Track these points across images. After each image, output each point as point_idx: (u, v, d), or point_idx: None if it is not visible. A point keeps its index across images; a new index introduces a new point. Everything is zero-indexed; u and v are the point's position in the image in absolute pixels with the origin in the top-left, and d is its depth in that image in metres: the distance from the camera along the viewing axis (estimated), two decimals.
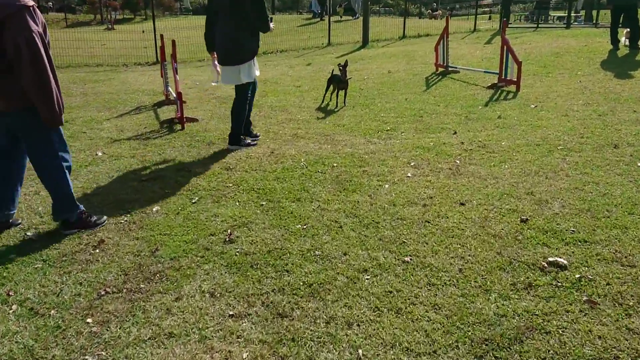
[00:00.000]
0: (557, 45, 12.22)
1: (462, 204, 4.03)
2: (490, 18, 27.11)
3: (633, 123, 5.99)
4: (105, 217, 3.87)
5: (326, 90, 7.85)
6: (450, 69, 9.82)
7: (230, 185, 4.57)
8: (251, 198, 4.27)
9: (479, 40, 14.70)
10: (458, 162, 5.04)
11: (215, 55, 5.65)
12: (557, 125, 6.11)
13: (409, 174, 4.73)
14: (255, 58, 5.54)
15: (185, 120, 6.73)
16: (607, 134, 5.67)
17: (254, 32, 5.44)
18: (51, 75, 3.20)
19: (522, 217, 3.70)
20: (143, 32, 17.76)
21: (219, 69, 5.64)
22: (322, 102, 7.88)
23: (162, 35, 7.85)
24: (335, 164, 5.06)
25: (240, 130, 5.72)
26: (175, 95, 7.03)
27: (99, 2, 31.87)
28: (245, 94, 5.65)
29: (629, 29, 10.85)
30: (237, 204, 4.17)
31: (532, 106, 7.10)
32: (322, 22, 22.24)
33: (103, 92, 9.31)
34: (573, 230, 3.51)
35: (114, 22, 27.76)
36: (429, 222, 3.75)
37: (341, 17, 25.70)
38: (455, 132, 6.08)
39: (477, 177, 4.59)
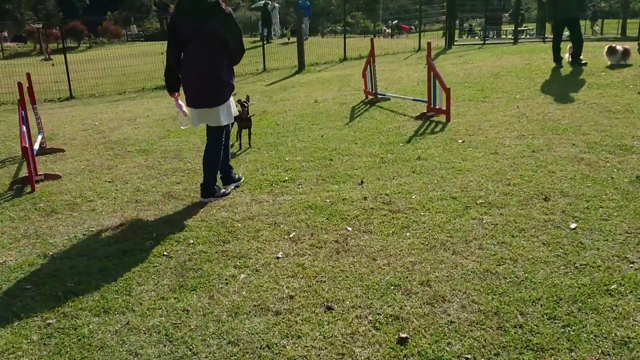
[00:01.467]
0: (500, 64, 11.43)
1: (329, 308, 2.93)
2: (444, 35, 26.59)
3: (570, 161, 5.03)
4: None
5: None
6: (379, 96, 8.84)
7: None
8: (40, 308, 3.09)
9: (422, 60, 13.86)
10: (350, 229, 3.97)
11: (178, 95, 4.79)
12: (483, 168, 5.11)
13: (280, 254, 3.62)
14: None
15: (41, 179, 5.52)
16: (539, 178, 4.69)
17: (231, 65, 4.67)
18: None
19: (401, 335, 2.61)
20: (53, 65, 16.41)
21: (185, 109, 4.83)
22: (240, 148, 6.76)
23: (28, 74, 6.64)
24: (192, 241, 3.92)
25: (214, 180, 4.83)
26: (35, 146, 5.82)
27: (37, 31, 30.36)
28: (220, 137, 4.80)
29: (571, 44, 10.10)
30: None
31: (460, 141, 6.12)
32: (267, 46, 21.26)
33: None
34: (467, 358, 2.43)
35: (50, 52, 26.28)
36: (270, 346, 2.62)
37: (289, 39, 24.81)
38: (362, 182, 5.03)
39: (366, 256, 3.51)
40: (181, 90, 4.77)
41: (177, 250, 3.76)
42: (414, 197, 4.53)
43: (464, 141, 6.12)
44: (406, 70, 12.17)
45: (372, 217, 4.18)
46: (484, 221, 3.91)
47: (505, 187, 4.56)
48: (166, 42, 4.61)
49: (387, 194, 4.65)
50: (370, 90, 8.96)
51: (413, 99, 8.12)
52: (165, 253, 3.72)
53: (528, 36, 23.77)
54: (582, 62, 9.99)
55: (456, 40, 18.52)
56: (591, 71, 9.28)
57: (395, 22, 35.53)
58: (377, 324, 2.74)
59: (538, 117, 6.84)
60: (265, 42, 22.60)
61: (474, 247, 3.53)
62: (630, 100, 7.10)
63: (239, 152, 6.48)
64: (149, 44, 17.72)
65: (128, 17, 43.34)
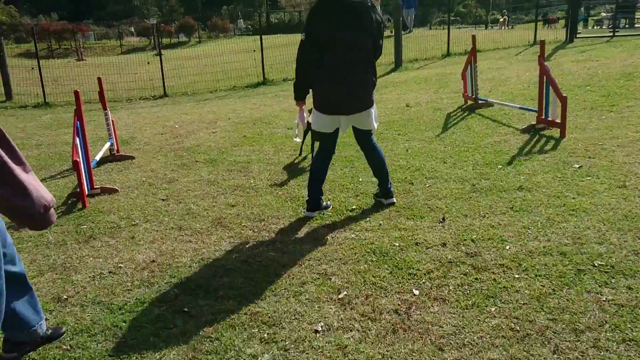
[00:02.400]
0: (633, 63, 9.66)
1: None
2: (565, 25, 24.00)
3: None
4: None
5: (304, 139, 5.96)
6: (480, 101, 7.69)
7: None
8: None
9: (536, 56, 12.24)
10: (417, 293, 3.08)
11: (304, 105, 4.48)
12: (605, 208, 3.94)
13: (321, 325, 2.83)
14: None
15: (97, 192, 5.19)
16: None
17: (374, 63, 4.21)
18: None
19: None
20: (148, 63, 16.67)
21: (306, 121, 4.63)
22: (300, 153, 6.13)
23: (99, 79, 6.40)
24: (222, 292, 3.25)
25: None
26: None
27: (151, 27, 31.88)
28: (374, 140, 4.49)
29: None
30: None
31: (576, 166, 4.92)
32: None
33: (57, 142, 8.03)
34: None
35: (161, 47, 27.36)
36: None
37: (391, 32, 23.70)
38: (443, 219, 4.08)
39: (430, 342, 2.62)
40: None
41: (201, 306, 3.10)
42: (507, 247, 3.52)
43: (581, 166, 4.91)
44: (517, 68, 10.74)
45: (449, 274, 3.25)
46: (603, 298, 2.83)
47: (636, 243, 3.39)
48: (298, 45, 4.07)
49: (472, 240, 3.67)
50: (470, 95, 7.83)
51: (520, 107, 6.89)
52: (186, 309, 3.08)
53: None
54: None
55: (579, 32, 16.38)
56: None
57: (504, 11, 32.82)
58: None
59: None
60: None
61: (587, 343, 2.50)
62: None
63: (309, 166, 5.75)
64: (254, 39, 17.56)
65: (236, 12, 44.46)
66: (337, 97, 4.08)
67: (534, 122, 6.36)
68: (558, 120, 5.96)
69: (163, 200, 5.06)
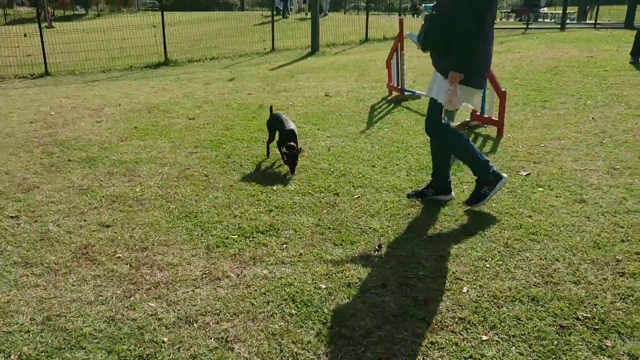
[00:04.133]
0: (554, 56, 9.42)
1: None
2: None
3: None
4: None
5: (270, 138, 4.97)
6: (406, 93, 6.96)
7: None
8: None
9: None
10: None
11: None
12: (569, 231, 3.28)
13: None
14: None
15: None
16: None
17: None
18: None
19: None
20: (25, 35, 14.60)
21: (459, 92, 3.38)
22: (268, 156, 5.03)
23: None
24: None
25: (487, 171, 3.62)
26: None
27: None
28: None
29: None
30: None
31: (523, 174, 4.27)
32: (283, 22, 19.32)
33: None
34: None
35: (53, 19, 24.54)
36: None
37: (307, 14, 22.75)
38: (380, 246, 3.23)
39: None
40: None
41: None
42: (465, 290, 2.73)
43: (529, 174, 4.26)
44: None
45: (396, 337, 2.39)
46: None
47: (619, 280, 2.73)
48: (441, 14, 3.37)
49: (419, 279, 2.85)
50: (396, 85, 7.08)
51: None
52: None
53: (568, 21, 21.39)
54: None
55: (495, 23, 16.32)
56: None
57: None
58: None
59: (627, 138, 4.94)
60: (281, 17, 20.59)
61: None
62: None
63: (279, 170, 4.70)
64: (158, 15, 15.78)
65: None
66: (487, 71, 3.54)
67: (467, 119, 5.70)
68: (495, 118, 5.32)
69: (12, 217, 3.81)
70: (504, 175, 3.64)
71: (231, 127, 6.12)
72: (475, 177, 3.70)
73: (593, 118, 5.62)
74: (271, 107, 5.11)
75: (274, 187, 4.26)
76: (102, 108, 7.35)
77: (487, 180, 3.60)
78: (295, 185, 4.27)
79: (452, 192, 3.85)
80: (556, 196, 3.81)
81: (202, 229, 3.55)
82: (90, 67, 11.59)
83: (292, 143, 4.46)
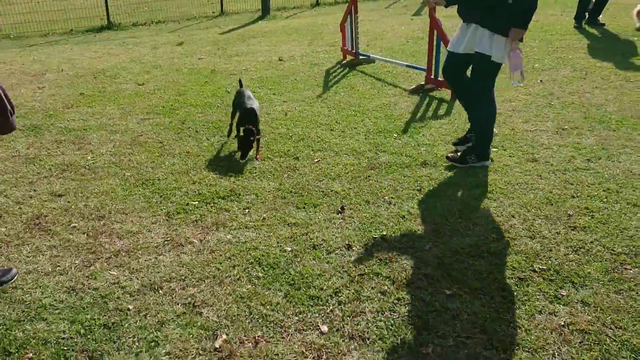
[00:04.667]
0: None
1: None
2: None
3: None
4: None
5: (233, 115, 4.38)
6: (361, 57, 6.93)
7: None
8: None
9: (408, 10, 11.82)
10: (325, 329, 2.21)
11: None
12: (523, 189, 3.41)
13: None
14: None
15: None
16: (617, 216, 3.01)
17: None
18: None
19: None
20: None
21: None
22: (229, 135, 4.50)
23: None
24: None
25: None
26: None
27: None
28: None
29: None
30: None
31: None
32: None
33: None
34: None
35: None
36: None
37: None
38: (342, 209, 3.25)
39: None
40: None
41: None
42: (427, 247, 2.80)
43: None
44: (390, 22, 10.17)
45: (363, 295, 2.43)
46: (561, 322, 2.21)
47: (571, 234, 2.86)
48: None
49: (383, 238, 2.89)
50: (350, 49, 7.02)
51: (407, 65, 6.24)
52: None
53: None
54: (600, 22, 8.27)
55: None
56: (617, 36, 7.56)
57: None
58: None
59: (574, 99, 5.12)
60: None
61: None
62: None
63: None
64: None
65: None
66: None
67: (422, 82, 5.75)
68: None
69: None
70: (490, 161, 3.74)
71: (183, 92, 5.94)
72: (471, 144, 3.75)
73: (541, 81, 5.78)
74: (240, 81, 4.75)
75: (233, 153, 4.19)
76: (43, 74, 6.95)
77: (482, 153, 3.69)
78: (253, 151, 4.21)
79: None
80: (509, 156, 3.93)
81: (161, 196, 3.47)
82: (26, 31, 10.89)
83: (249, 126, 3.91)
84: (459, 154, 3.84)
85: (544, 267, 2.58)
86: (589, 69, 6.08)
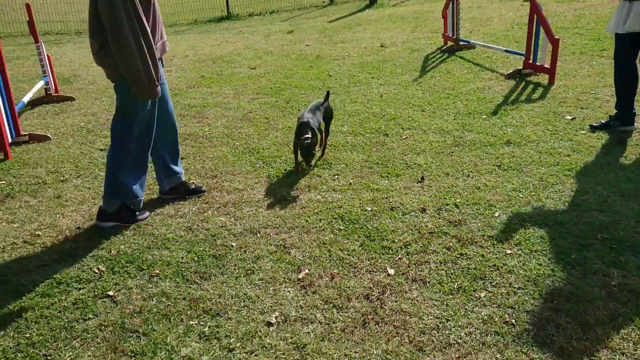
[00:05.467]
0: None
1: None
2: None
3: None
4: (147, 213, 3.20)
5: (295, 152, 3.82)
6: (461, 43, 7.05)
7: None
8: None
9: None
10: (392, 272, 2.57)
11: None
12: (606, 169, 3.48)
13: (275, 316, 2.32)
14: None
15: (24, 140, 4.49)
16: None
17: None
18: (135, 44, 2.67)
19: None
20: None
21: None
22: (295, 164, 3.85)
23: (27, 5, 5.49)
24: (158, 271, 2.69)
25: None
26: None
27: None
28: None
29: None
30: None
31: (568, 117, 4.42)
32: None
33: None
34: None
35: None
36: None
37: None
38: (422, 179, 3.56)
39: (408, 341, 2.14)
40: None
41: (130, 288, 2.54)
42: (496, 215, 3.03)
43: (574, 118, 4.41)
44: (499, 7, 10.05)
45: (430, 248, 2.75)
46: (613, 282, 2.37)
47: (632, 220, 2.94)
48: None
49: (456, 205, 3.17)
50: (451, 35, 7.17)
51: (506, 50, 6.29)
52: (110, 292, 2.51)
53: None
54: None
55: None
56: None
57: None
58: None
59: None
60: None
61: (596, 341, 2.05)
62: None
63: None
64: None
65: None
66: None
67: (520, 67, 5.79)
68: (547, 66, 5.40)
69: (101, 150, 4.39)
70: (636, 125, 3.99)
71: (290, 75, 6.49)
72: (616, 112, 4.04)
73: None
74: (327, 94, 4.13)
75: (330, 129, 4.62)
76: (172, 59, 7.88)
77: (624, 118, 3.99)
78: (348, 127, 4.62)
79: (636, 124, 4.06)
80: (598, 138, 3.97)
81: (264, 162, 3.99)
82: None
83: (306, 135, 3.64)
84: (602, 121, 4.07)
85: (608, 237, 2.72)
86: None
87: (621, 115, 4.05)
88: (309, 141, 3.63)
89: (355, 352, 2.08)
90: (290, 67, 6.90)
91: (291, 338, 2.17)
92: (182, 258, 2.78)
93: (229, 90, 6.01)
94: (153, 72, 2.77)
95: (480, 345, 2.08)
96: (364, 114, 4.94)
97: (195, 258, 2.77)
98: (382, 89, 5.72)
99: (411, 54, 7.17)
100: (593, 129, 4.09)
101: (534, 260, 2.59)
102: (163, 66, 3.16)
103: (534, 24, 5.50)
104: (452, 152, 3.95)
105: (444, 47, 7.24)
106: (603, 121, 4.11)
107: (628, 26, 3.74)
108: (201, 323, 2.28)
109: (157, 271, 2.67)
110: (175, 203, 3.40)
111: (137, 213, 3.14)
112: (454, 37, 7.08)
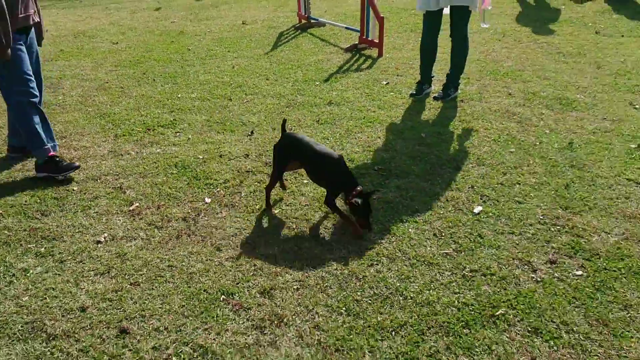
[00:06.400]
0: None
1: (124, 332, 2.17)
2: None
3: (500, 116, 4.28)
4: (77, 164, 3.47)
5: (278, 171, 3.05)
6: (312, 21, 7.76)
7: None
8: None
9: None
10: (208, 201, 3.16)
11: None
12: (397, 121, 4.32)
13: (104, 236, 2.81)
14: None
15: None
16: (457, 138, 3.93)
17: None
18: None
19: None
20: None
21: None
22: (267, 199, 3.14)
23: None
24: (1, 211, 3.05)
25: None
26: None
27: None
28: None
29: None
30: None
31: (384, 83, 5.26)
32: None
33: None
34: None
35: None
36: None
37: None
38: (252, 132, 4.17)
39: (210, 245, 2.74)
40: None
41: None
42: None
43: (388, 83, 5.26)
44: None
45: (245, 183, 3.37)
46: (374, 197, 3.14)
47: (415, 149, 3.78)
48: None
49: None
50: (303, 14, 7.85)
51: (346, 27, 7.09)
52: None
53: None
54: None
55: None
56: (548, 4, 8.34)
57: None
58: None
59: (480, 57, 5.99)
60: None
61: (349, 234, 2.79)
62: (585, 42, 6.29)
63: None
64: None
65: None
66: None
67: (356, 42, 6.60)
68: (376, 40, 6.25)
69: None
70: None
71: (150, 50, 6.81)
72: (447, 80, 4.75)
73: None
74: (283, 123, 3.12)
75: (179, 95, 5.09)
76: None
77: (457, 85, 4.77)
78: (197, 94, 5.11)
79: (433, 86, 4.96)
80: (401, 98, 4.83)
81: (113, 124, 4.39)
82: None
83: (358, 188, 2.75)
84: (439, 93, 4.79)
85: (383, 167, 3.51)
86: (507, 32, 6.92)
87: (456, 82, 4.81)
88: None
89: (165, 255, 2.65)
90: (152, 43, 7.20)
91: (115, 250, 2.69)
92: (26, 201, 3.16)
93: (87, 63, 6.23)
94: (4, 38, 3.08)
95: (269, 242, 2.74)
96: (214, 83, 5.45)
97: (38, 200, 3.17)
98: (236, 61, 6.26)
99: (268, 30, 7.76)
100: (436, 99, 4.78)
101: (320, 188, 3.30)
102: (41, 37, 3.77)
103: (365, 4, 6.31)
104: (282, 112, 4.61)
105: (298, 25, 7.91)
106: (440, 93, 4.83)
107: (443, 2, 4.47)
108: (38, 246, 2.72)
109: (1, 211, 3.04)
110: (23, 160, 3.72)
111: (64, 163, 3.43)
112: (306, 15, 7.76)
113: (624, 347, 2.01)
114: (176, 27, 8.13)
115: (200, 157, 3.75)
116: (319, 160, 2.82)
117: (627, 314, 2.17)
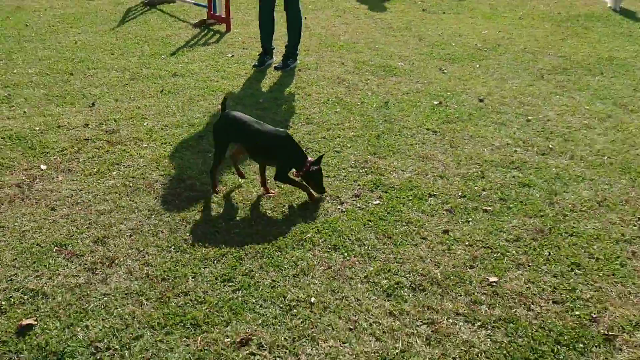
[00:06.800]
0: None
1: None
2: None
3: (331, 82, 4.74)
4: None
5: (219, 153, 3.00)
6: None
7: None
8: None
9: None
10: (44, 167, 3.23)
11: None
12: (236, 89, 4.60)
13: None
14: None
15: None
16: (291, 103, 4.31)
17: None
18: None
19: (25, 322, 2.06)
20: None
21: None
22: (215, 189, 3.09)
23: None
24: None
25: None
26: None
27: None
28: None
29: None
30: None
31: (229, 55, 5.51)
32: None
33: None
34: (98, 347, 1.96)
35: None
36: None
37: None
38: (93, 104, 4.22)
39: (45, 206, 2.84)
40: None
41: None
42: (145, 124, 3.89)
43: (233, 55, 5.52)
44: None
45: (83, 150, 3.46)
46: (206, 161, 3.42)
47: (252, 112, 4.09)
48: None
49: (115, 120, 3.93)
50: None
51: (194, 3, 7.19)
52: None
53: None
54: None
55: None
56: None
57: None
58: (5, 304, 2.14)
59: (322, 32, 6.45)
60: None
61: (185, 187, 3.04)
62: (413, 18, 7.03)
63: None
64: None
65: None
66: None
67: (205, 18, 6.75)
68: (224, 16, 6.45)
69: None
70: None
71: None
72: (286, 51, 5.11)
73: (305, 18, 7.05)
74: (224, 101, 3.09)
75: (15, 71, 4.91)
76: None
77: (295, 56, 5.13)
78: (36, 69, 4.97)
79: (275, 57, 5.32)
80: (243, 68, 5.11)
81: None
82: None
83: (309, 159, 2.86)
84: (279, 64, 5.11)
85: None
86: (347, 9, 7.48)
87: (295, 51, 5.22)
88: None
89: None
90: None
91: None
92: None
93: None
94: None
95: (101, 200, 2.90)
96: (56, 58, 5.31)
97: None
98: (79, 37, 6.11)
99: (115, 7, 7.59)
100: (276, 69, 5.10)
101: (161, 149, 3.50)
102: None
103: None
104: (127, 84, 4.68)
105: (147, 1, 7.82)
106: (280, 64, 5.18)
107: None
108: None
109: None
110: None
111: None
112: None
113: (400, 252, 2.51)
114: (12, 2, 7.64)
115: (37, 128, 3.75)
116: (267, 141, 2.82)
117: (408, 228, 2.70)
